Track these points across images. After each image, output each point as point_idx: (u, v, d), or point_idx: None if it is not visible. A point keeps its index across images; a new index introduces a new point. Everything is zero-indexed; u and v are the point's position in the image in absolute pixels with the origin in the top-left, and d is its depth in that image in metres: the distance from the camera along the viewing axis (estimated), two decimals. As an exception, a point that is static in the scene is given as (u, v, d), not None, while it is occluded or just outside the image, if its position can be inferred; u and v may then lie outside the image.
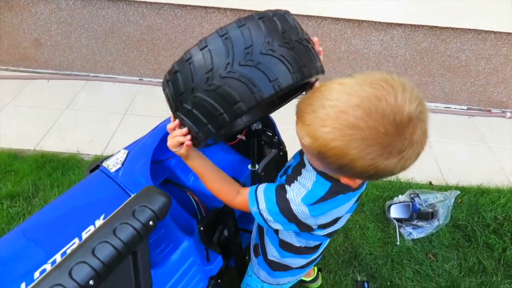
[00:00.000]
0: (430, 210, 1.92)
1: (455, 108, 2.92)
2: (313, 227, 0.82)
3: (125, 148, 1.13)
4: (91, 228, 0.89)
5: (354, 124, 0.58)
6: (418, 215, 1.91)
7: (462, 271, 1.76)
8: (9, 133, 2.42)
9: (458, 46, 2.61)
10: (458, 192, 2.02)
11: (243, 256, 1.35)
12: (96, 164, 1.12)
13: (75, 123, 2.54)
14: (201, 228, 1.08)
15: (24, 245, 0.87)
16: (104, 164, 1.07)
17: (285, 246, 1.00)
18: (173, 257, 0.96)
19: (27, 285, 0.78)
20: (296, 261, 1.06)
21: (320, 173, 0.78)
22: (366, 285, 1.69)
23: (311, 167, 0.80)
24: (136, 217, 0.80)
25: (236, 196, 0.89)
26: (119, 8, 2.62)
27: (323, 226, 0.83)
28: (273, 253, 1.05)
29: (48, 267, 0.81)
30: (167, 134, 1.17)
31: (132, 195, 0.87)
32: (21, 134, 2.41)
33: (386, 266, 1.76)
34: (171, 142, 0.82)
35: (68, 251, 0.85)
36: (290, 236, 0.97)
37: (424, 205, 1.96)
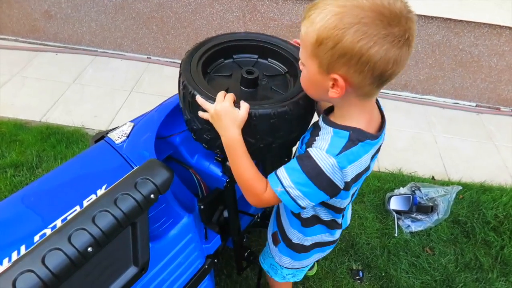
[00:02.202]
0: (430, 204, 1.92)
1: (464, 104, 2.89)
2: (340, 186, 0.80)
3: (131, 121, 1.13)
4: (93, 197, 0.89)
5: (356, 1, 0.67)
6: (418, 208, 1.91)
7: (458, 266, 1.77)
8: (16, 103, 2.43)
9: (472, 41, 2.56)
10: (460, 187, 2.01)
11: (241, 238, 1.36)
12: (101, 135, 1.12)
13: (81, 98, 2.54)
14: (202, 207, 1.09)
15: (25, 210, 0.88)
16: (109, 135, 1.07)
17: (310, 222, 1.02)
18: (172, 232, 0.97)
19: (27, 248, 0.79)
20: (322, 237, 1.07)
21: (336, 126, 0.80)
22: (360, 273, 1.71)
23: (326, 126, 0.82)
24: (138, 189, 0.81)
25: (265, 187, 0.85)
26: (130, -17, 2.59)
27: (347, 185, 0.82)
28: (297, 235, 1.06)
29: (48, 231, 0.82)
30: (173, 110, 1.18)
31: (135, 167, 0.87)
32: (27, 105, 2.42)
33: (382, 257, 1.77)
34: (227, 101, 0.82)
35: (69, 218, 0.86)
36: (316, 210, 0.98)
37: (424, 198, 1.96)
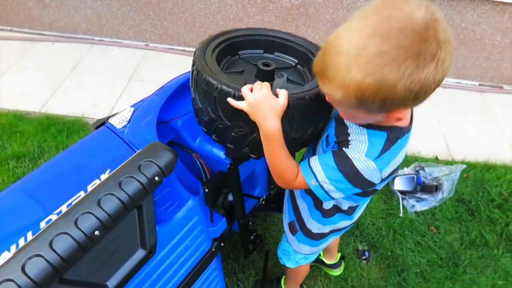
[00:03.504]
0: (434, 183, 1.91)
1: (467, 84, 2.85)
2: (377, 182, 0.79)
3: (131, 106, 1.11)
4: (97, 182, 0.88)
5: (378, 51, 0.58)
6: (422, 188, 1.91)
7: (464, 243, 1.77)
8: (15, 95, 2.41)
9: (474, 19, 2.51)
10: (464, 166, 2.01)
11: (247, 221, 1.36)
12: (102, 121, 1.11)
13: (80, 87, 2.52)
14: (206, 190, 1.08)
15: (29, 198, 0.87)
16: (110, 120, 1.05)
17: (331, 213, 1.00)
18: (178, 215, 0.96)
19: (33, 234, 0.78)
20: (341, 224, 1.06)
21: (370, 127, 0.77)
22: (367, 254, 1.72)
23: (356, 126, 0.79)
24: (142, 171, 0.80)
25: (296, 175, 0.84)
26: (124, -31, 2.54)
27: (382, 180, 0.80)
28: (317, 226, 1.06)
29: (54, 217, 0.81)
30: (173, 93, 1.16)
31: (137, 152, 0.86)
32: (26, 96, 2.40)
33: (387, 237, 1.78)
34: (265, 88, 0.78)
35: (74, 203, 0.85)
36: (338, 201, 0.96)
37: (428, 178, 1.95)
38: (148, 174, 0.80)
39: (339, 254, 1.62)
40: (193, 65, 0.89)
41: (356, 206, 1.02)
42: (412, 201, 1.90)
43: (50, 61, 2.69)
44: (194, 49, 3.03)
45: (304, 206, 1.07)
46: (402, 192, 1.92)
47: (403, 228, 1.82)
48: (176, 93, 1.17)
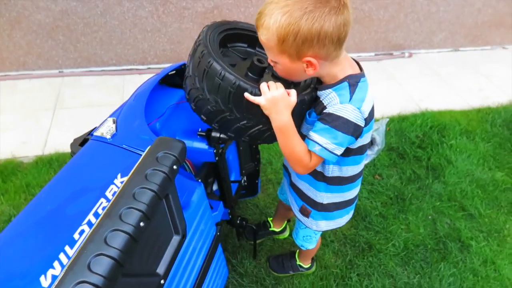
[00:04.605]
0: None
1: (365, 56, 3.32)
2: (362, 125, 0.94)
3: (110, 116, 1.12)
4: (113, 187, 0.90)
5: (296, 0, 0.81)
6: (361, 145, 2.20)
7: (403, 182, 2.11)
8: None
9: (362, -1, 2.95)
10: (388, 119, 2.35)
11: (233, 206, 1.45)
12: (83, 138, 1.10)
13: (-1, 128, 2.28)
14: (199, 181, 1.15)
15: (51, 216, 0.86)
16: (95, 134, 1.06)
17: (336, 182, 1.13)
18: (193, 200, 1.02)
19: (71, 247, 0.78)
20: (350, 193, 1.19)
21: (332, 86, 0.95)
22: (333, 211, 1.93)
23: (323, 91, 0.97)
24: (161, 162, 0.85)
25: (310, 157, 0.98)
26: (21, -5, 2.37)
27: (366, 122, 0.96)
28: (327, 195, 1.16)
29: (85, 227, 0.82)
30: (150, 96, 1.19)
31: (146, 149, 0.90)
32: None
33: (345, 193, 2.02)
34: (281, 88, 0.91)
35: (99, 211, 0.86)
36: (342, 170, 1.10)
37: (363, 136, 2.26)
38: (167, 163, 0.85)
39: (285, 223, 1.78)
40: (201, 57, 0.93)
41: (359, 171, 1.16)
42: (355, 159, 2.18)
43: (-49, 108, 2.38)
44: (114, 68, 3.01)
45: (305, 186, 1.18)
46: (346, 153, 2.19)
47: (355, 183, 2.08)
48: (150, 97, 1.21)
